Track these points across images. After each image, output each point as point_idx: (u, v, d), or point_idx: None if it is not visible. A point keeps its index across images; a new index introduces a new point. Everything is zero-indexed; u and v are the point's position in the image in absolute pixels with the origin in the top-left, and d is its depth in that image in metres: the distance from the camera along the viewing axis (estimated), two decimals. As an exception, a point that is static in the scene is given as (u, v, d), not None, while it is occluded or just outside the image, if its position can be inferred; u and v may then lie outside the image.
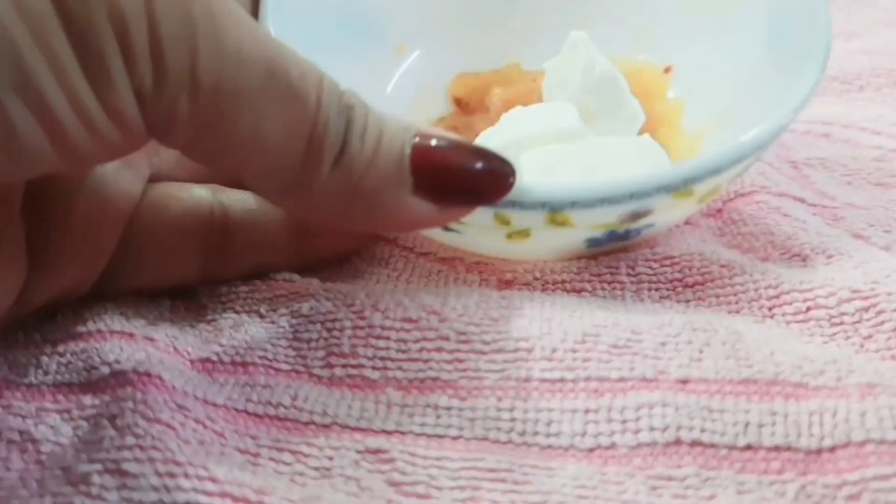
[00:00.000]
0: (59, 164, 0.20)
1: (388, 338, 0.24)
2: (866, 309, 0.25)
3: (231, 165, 0.22)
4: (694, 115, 0.33)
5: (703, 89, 0.33)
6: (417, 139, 0.23)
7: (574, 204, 0.24)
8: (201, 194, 0.27)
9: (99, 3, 0.18)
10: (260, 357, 0.24)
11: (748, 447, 0.21)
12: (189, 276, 0.27)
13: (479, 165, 0.23)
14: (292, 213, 0.25)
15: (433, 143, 0.23)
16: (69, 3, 0.18)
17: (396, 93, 0.35)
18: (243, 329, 0.25)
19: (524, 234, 0.26)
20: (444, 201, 0.23)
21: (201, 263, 0.27)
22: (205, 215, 0.27)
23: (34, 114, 0.18)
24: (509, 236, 0.26)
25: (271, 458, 0.22)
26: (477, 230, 0.26)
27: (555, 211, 0.25)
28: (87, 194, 0.25)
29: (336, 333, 0.24)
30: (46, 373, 0.23)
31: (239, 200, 0.27)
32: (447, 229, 0.27)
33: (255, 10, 0.30)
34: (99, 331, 0.24)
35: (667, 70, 0.34)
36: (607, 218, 0.25)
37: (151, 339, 0.24)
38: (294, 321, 0.25)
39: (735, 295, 0.26)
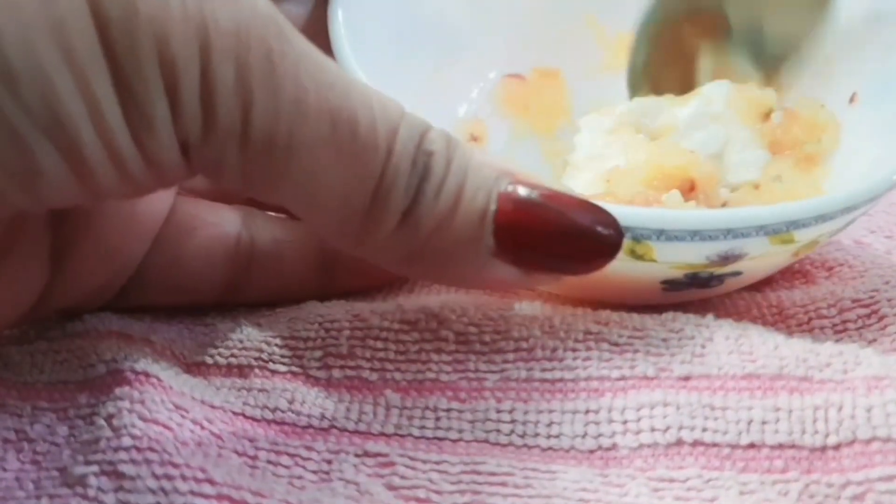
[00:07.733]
0: (83, 200, 0.19)
1: (386, 339, 0.24)
2: (868, 315, 0.25)
3: (286, 211, 0.20)
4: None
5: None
6: (509, 188, 0.20)
7: (661, 234, 0.22)
8: (231, 220, 0.26)
9: (150, 49, 0.17)
10: (255, 358, 0.24)
11: (751, 445, 0.21)
12: (205, 301, 0.26)
13: (581, 225, 0.20)
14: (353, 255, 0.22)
15: (525, 195, 0.20)
16: (117, 48, 0.17)
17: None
18: (239, 329, 0.25)
19: None
20: (532, 267, 0.21)
21: (219, 292, 0.26)
22: (231, 245, 0.26)
23: (64, 158, 0.17)
24: None
25: (269, 462, 0.21)
26: None
27: (637, 240, 0.22)
28: (116, 206, 0.24)
29: (334, 334, 0.24)
30: (41, 371, 0.23)
31: (267, 230, 0.27)
32: None
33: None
34: (96, 329, 0.24)
35: (852, 100, 0.31)
36: (694, 257, 0.23)
37: (149, 341, 0.24)
38: (290, 316, 0.25)
39: (738, 314, 0.26)
